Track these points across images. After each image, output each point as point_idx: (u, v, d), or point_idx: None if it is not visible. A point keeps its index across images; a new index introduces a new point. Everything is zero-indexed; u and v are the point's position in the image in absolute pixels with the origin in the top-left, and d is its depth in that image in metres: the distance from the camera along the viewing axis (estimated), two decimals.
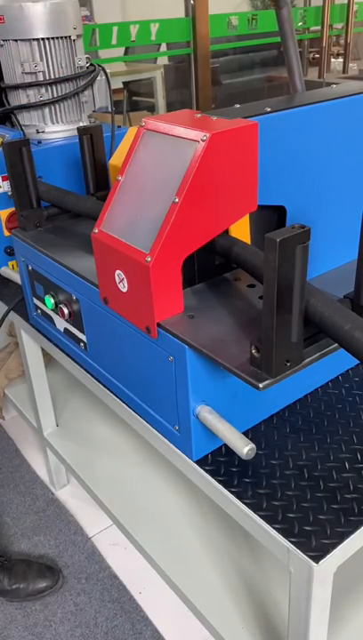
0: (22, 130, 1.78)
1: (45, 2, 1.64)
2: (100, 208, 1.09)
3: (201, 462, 1.10)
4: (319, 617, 1.00)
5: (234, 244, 1.06)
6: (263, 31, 4.06)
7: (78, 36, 1.76)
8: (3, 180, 1.68)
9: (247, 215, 1.07)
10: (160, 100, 4.36)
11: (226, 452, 1.11)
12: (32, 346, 1.77)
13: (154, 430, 1.18)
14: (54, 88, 1.77)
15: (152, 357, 1.08)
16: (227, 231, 1.10)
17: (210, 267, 1.16)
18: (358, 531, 0.95)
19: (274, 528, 0.96)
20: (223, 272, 1.18)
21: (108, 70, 1.87)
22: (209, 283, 1.15)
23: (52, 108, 1.79)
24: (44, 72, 1.73)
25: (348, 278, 1.03)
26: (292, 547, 0.93)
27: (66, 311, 1.34)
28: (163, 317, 1.01)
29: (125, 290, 1.04)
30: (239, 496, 1.02)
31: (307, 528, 0.95)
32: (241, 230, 1.12)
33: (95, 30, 3.16)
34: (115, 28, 3.25)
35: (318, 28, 4.47)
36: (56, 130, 1.82)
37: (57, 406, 1.98)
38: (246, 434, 1.13)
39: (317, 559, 0.91)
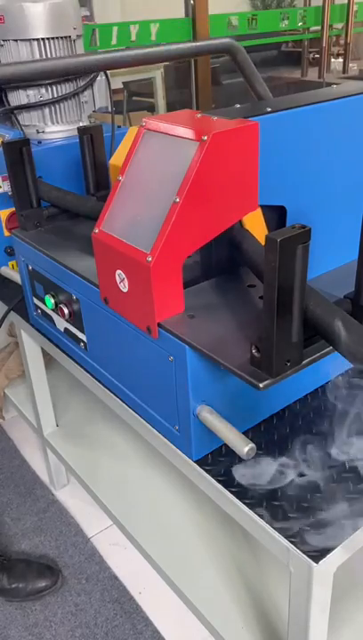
0: (22, 130, 1.78)
1: (45, 2, 1.64)
2: (100, 208, 1.09)
3: (201, 462, 1.09)
4: (319, 617, 1.00)
5: (243, 240, 1.05)
6: (263, 31, 4.06)
7: (78, 36, 1.75)
8: (3, 180, 1.68)
9: (260, 210, 1.07)
10: (160, 100, 4.36)
11: (226, 452, 1.11)
12: (32, 346, 1.77)
13: (154, 430, 1.18)
14: (54, 88, 1.76)
15: (152, 357, 1.08)
16: (241, 224, 1.09)
17: (227, 261, 1.15)
18: (359, 531, 0.95)
19: (274, 528, 0.96)
20: (239, 266, 1.18)
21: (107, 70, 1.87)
22: (210, 282, 1.15)
23: (52, 108, 1.79)
24: None
25: (348, 278, 1.02)
26: (292, 547, 0.93)
27: (66, 311, 1.34)
28: (163, 317, 1.01)
29: (125, 290, 1.04)
30: (239, 496, 1.02)
31: (307, 528, 0.95)
32: (257, 227, 1.11)
33: (95, 30, 3.15)
34: (115, 28, 3.25)
35: (318, 28, 4.47)
36: (56, 130, 1.82)
37: (57, 406, 1.98)
38: (246, 434, 1.13)
39: (317, 559, 0.90)
